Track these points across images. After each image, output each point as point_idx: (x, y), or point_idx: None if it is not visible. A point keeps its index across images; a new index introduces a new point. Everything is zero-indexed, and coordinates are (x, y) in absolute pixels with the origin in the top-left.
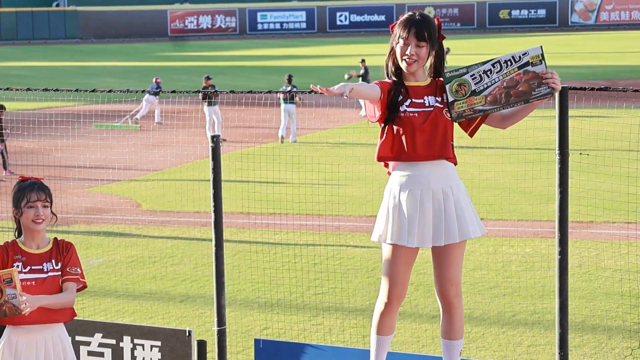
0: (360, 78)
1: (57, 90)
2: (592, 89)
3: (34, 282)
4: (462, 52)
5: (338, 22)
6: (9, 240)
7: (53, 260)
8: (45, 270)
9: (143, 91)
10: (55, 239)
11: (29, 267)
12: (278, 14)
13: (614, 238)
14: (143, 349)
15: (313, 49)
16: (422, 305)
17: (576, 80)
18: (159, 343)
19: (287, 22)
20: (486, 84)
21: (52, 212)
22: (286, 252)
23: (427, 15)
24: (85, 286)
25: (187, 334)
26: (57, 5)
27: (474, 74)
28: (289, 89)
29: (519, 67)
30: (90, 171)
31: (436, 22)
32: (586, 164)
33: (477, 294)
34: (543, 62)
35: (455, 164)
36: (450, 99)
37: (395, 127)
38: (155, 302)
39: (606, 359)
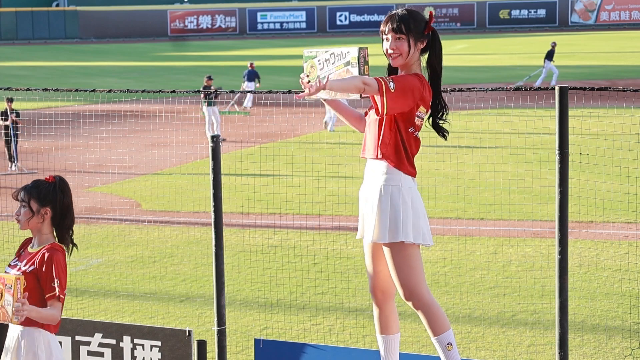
0: None
1: (57, 90)
2: (592, 89)
3: None
4: (462, 52)
5: (338, 22)
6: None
7: (25, 260)
8: (17, 268)
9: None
10: (50, 245)
11: (15, 262)
12: (278, 14)
13: (614, 238)
14: (143, 349)
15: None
16: None
17: (576, 80)
18: (159, 343)
19: (287, 22)
20: (325, 72)
21: (36, 216)
22: (286, 252)
23: (412, 9)
24: (61, 301)
25: (187, 334)
26: (57, 5)
27: (319, 60)
28: None
29: (344, 64)
30: (90, 171)
31: (428, 15)
32: (586, 164)
33: (477, 294)
34: (357, 65)
35: (396, 167)
36: (306, 79)
37: None
38: (155, 302)
39: (606, 359)
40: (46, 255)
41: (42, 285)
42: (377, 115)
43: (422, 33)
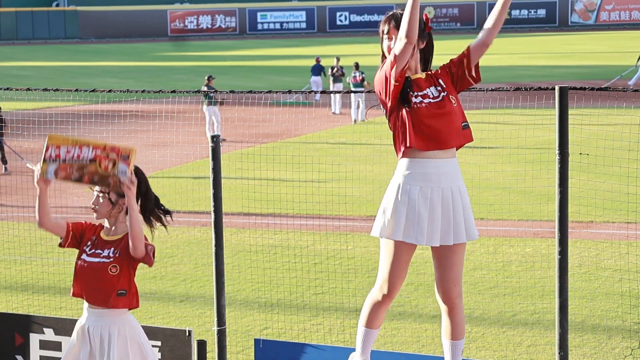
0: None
1: (57, 90)
2: (592, 89)
3: (85, 264)
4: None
5: (338, 22)
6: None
7: (113, 248)
8: (102, 255)
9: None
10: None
11: (92, 250)
12: (278, 14)
13: (614, 238)
14: None
15: (313, 49)
16: (422, 305)
17: (576, 80)
18: (159, 343)
19: (287, 22)
20: None
21: (115, 207)
22: (286, 252)
23: None
24: (150, 262)
25: (187, 334)
26: (57, 5)
27: None
28: (357, 74)
29: None
30: None
31: (424, 17)
32: (586, 164)
33: (477, 294)
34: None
35: (471, 140)
36: None
37: (410, 118)
38: (155, 302)
39: (606, 359)
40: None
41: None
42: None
43: (423, 32)
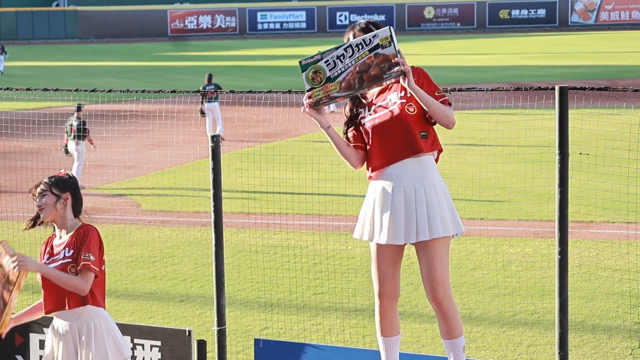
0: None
1: (57, 90)
2: (592, 89)
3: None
4: (462, 52)
5: (338, 22)
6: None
7: (67, 248)
8: (59, 259)
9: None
10: (81, 225)
11: (50, 259)
12: (278, 14)
13: (614, 238)
14: (143, 349)
15: (313, 49)
16: (422, 305)
17: (576, 80)
18: (159, 343)
19: (287, 22)
20: (340, 69)
21: (59, 200)
22: (286, 252)
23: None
24: (96, 275)
25: (187, 334)
26: (57, 5)
27: (327, 60)
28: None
29: (370, 51)
30: (90, 171)
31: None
32: (586, 164)
33: (477, 294)
34: (392, 44)
35: (439, 150)
36: (307, 87)
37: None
38: (155, 302)
39: (606, 359)
40: (82, 235)
41: (77, 259)
42: (442, 125)
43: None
